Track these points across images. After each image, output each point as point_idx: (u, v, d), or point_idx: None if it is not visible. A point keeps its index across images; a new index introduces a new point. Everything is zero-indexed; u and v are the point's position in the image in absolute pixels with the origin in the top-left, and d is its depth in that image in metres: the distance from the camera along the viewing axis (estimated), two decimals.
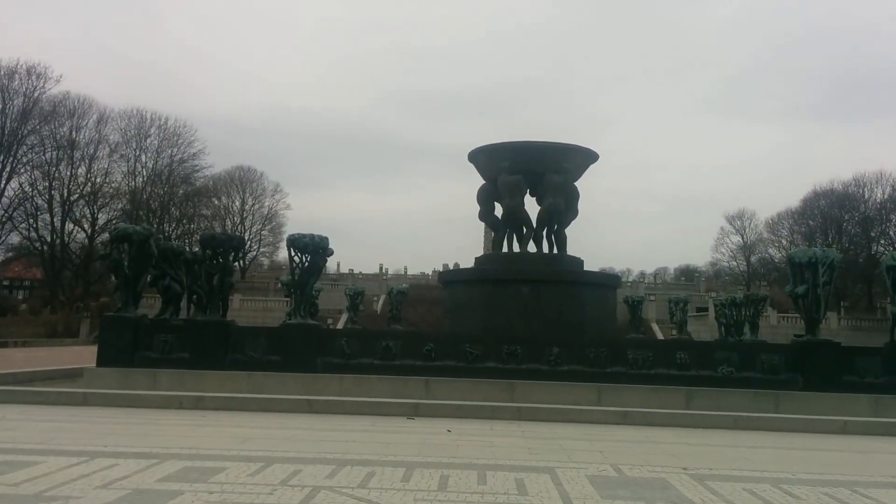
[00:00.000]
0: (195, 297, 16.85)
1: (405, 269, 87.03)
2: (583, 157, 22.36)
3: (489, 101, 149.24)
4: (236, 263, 18.85)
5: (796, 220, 78.66)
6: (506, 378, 15.26)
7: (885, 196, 72.62)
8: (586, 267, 22.12)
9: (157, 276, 16.86)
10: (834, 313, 58.31)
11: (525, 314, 19.53)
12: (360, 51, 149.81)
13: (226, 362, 15.46)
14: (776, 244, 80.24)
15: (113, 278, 19.26)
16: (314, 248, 16.07)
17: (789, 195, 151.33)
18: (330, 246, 16.26)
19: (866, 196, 74.60)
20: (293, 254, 16.19)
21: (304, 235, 16.20)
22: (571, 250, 22.11)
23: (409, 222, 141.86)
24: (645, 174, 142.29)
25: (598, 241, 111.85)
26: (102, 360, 15.62)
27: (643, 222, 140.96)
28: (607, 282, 22.22)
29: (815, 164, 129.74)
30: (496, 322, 19.55)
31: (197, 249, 17.42)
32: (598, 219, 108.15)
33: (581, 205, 22.53)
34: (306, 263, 16.13)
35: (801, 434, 12.51)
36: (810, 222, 76.49)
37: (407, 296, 33.31)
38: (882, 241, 69.45)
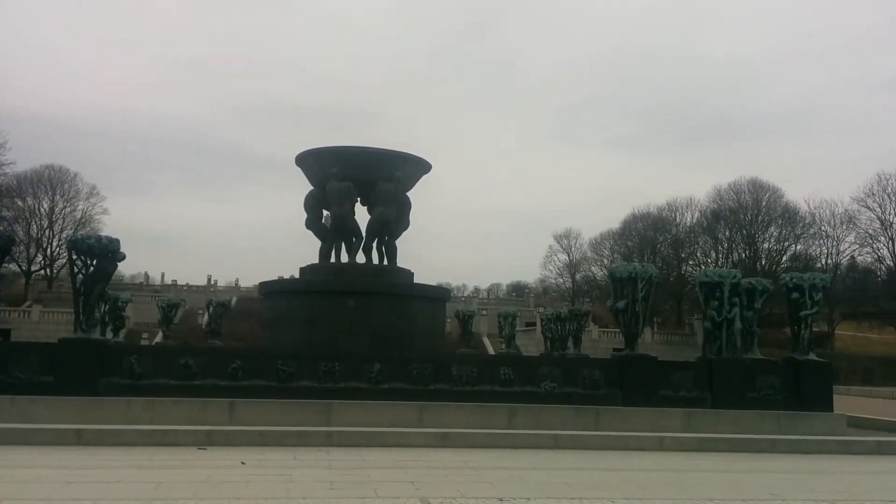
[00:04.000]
0: None
1: (237, 280, 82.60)
2: (415, 167, 21.61)
3: (335, 116, 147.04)
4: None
5: (616, 240, 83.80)
6: (322, 398, 13.95)
7: (694, 220, 79.21)
8: (419, 280, 21.34)
9: None
10: (648, 328, 62.29)
11: (350, 328, 18.35)
12: (202, 56, 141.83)
13: None
14: (598, 263, 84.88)
15: None
16: (101, 252, 13.87)
17: (611, 217, 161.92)
18: (122, 250, 14.13)
19: (678, 220, 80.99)
20: (74, 258, 13.89)
21: (88, 237, 13.99)
22: (405, 263, 21.26)
23: (250, 233, 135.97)
24: (485, 196, 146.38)
25: (441, 257, 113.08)
26: None
27: (482, 241, 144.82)
28: (437, 295, 21.53)
29: (634, 189, 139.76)
30: (319, 337, 18.19)
31: None
32: (440, 236, 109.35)
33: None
34: (91, 269, 13.88)
35: (621, 452, 12.28)
36: (629, 243, 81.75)
37: (228, 308, 30.84)
38: (691, 262, 75.47)
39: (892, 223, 71.62)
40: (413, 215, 21.92)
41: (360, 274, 20.17)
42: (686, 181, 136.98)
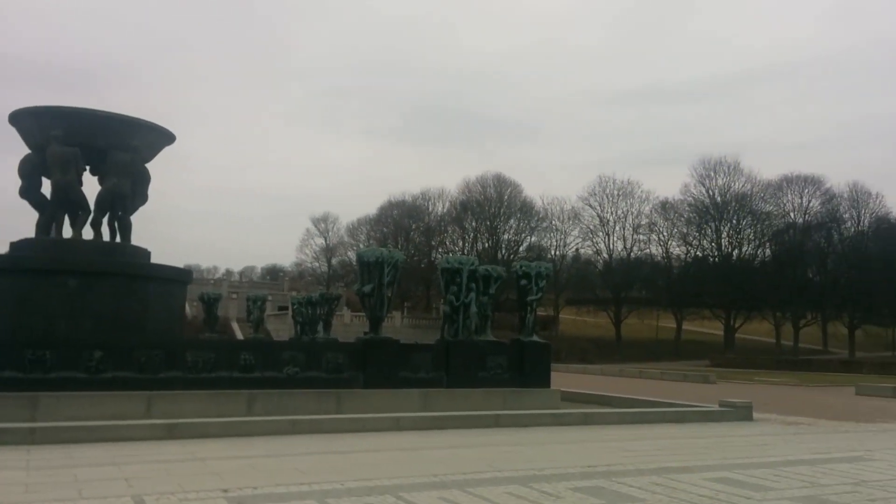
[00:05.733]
0: None
1: None
2: (156, 136, 19.86)
3: (78, 76, 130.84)
4: None
5: (373, 226, 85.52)
6: (29, 390, 12.30)
7: (445, 210, 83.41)
8: (161, 260, 19.68)
9: None
10: (399, 312, 64.35)
11: (71, 312, 16.37)
12: None
13: None
14: (355, 248, 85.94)
15: None
16: None
17: (369, 203, 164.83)
18: None
19: (430, 209, 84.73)
20: None
21: None
22: (148, 242, 19.47)
23: None
24: (241, 174, 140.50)
25: (192, 237, 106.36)
26: None
27: (237, 221, 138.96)
28: (176, 276, 20.05)
29: (391, 178, 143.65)
30: (33, 321, 16.02)
31: None
32: (191, 214, 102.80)
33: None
34: None
35: (359, 434, 12.43)
36: (384, 229, 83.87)
37: None
38: (441, 250, 79.48)
39: (609, 220, 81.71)
40: (160, 192, 20.25)
41: (83, 251, 18.08)
42: (440, 173, 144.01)
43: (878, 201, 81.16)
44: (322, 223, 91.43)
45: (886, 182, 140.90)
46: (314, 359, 15.12)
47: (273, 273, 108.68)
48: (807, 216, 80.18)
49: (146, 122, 19.42)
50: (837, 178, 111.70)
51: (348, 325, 56.93)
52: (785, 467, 9.93)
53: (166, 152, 20.77)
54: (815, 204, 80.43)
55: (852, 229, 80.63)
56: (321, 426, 12.59)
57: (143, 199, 19.96)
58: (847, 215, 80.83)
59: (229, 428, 11.90)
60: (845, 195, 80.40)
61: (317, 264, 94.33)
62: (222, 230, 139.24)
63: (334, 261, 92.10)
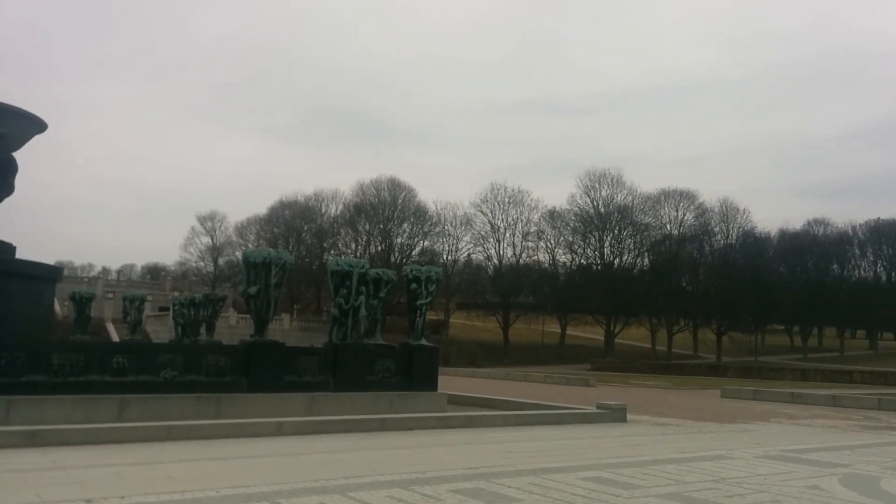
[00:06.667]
0: None
1: None
2: (25, 124, 18.45)
3: None
4: None
5: (263, 226, 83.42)
6: None
7: (338, 212, 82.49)
8: (29, 256, 18.27)
9: None
10: (288, 315, 63.02)
11: None
12: None
13: None
14: (243, 247, 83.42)
15: None
16: None
17: (259, 202, 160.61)
18: None
19: (323, 210, 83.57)
20: None
21: None
22: (15, 237, 18.02)
23: None
24: (124, 169, 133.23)
25: (66, 232, 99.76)
26: None
27: (116, 217, 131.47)
28: (43, 273, 18.69)
29: (284, 177, 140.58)
30: None
31: None
32: (69, 209, 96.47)
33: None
34: None
35: (239, 440, 12.06)
36: (275, 229, 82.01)
37: None
38: (333, 252, 78.54)
39: (499, 227, 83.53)
40: (29, 183, 18.81)
41: None
42: (334, 174, 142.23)
43: (745, 216, 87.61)
44: (209, 221, 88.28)
45: (754, 198, 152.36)
46: (194, 362, 14.55)
47: (154, 272, 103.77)
48: (682, 228, 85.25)
49: (13, 107, 18.03)
50: (710, 194, 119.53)
51: (234, 328, 55.21)
52: (653, 466, 10.48)
53: (42, 142, 19.42)
54: (690, 217, 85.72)
55: (722, 242, 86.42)
56: (199, 432, 12.12)
57: (9, 189, 18.52)
58: (717, 228, 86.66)
59: (97, 434, 11.23)
60: (716, 210, 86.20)
61: (202, 264, 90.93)
62: (102, 226, 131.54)
63: (221, 261, 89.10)
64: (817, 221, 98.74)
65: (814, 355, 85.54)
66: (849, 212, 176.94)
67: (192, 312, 27.43)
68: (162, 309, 59.96)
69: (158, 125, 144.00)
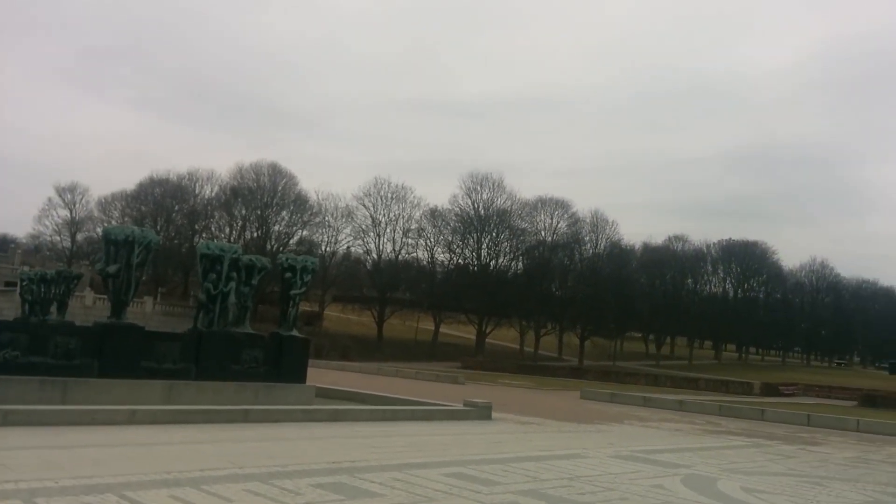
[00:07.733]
0: None
1: None
2: None
3: None
4: None
5: (129, 202, 78.76)
6: None
7: (213, 194, 79.24)
8: None
9: None
10: (151, 298, 59.89)
11: None
12: None
13: None
14: (106, 223, 78.40)
15: None
16: None
17: (127, 178, 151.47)
18: None
19: (197, 191, 79.95)
20: None
21: None
22: None
23: None
24: None
25: None
26: None
27: None
28: None
29: (156, 154, 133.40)
30: None
31: None
32: None
33: None
34: None
35: (87, 427, 11.28)
36: (143, 207, 77.64)
37: None
38: (205, 235, 75.27)
39: (381, 221, 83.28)
40: None
41: None
42: (212, 155, 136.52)
43: (613, 228, 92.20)
44: (68, 193, 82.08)
45: (622, 212, 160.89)
46: (40, 342, 13.50)
47: (3, 244, 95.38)
48: (555, 235, 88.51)
49: None
50: (583, 204, 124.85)
51: (90, 308, 51.80)
52: (513, 463, 10.78)
53: None
54: (563, 225, 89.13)
55: (591, 251, 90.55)
56: (41, 417, 11.24)
57: None
58: (588, 238, 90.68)
59: None
60: (588, 220, 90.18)
61: (58, 238, 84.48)
62: None
63: (80, 236, 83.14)
64: (677, 238, 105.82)
65: (666, 362, 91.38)
66: (704, 230, 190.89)
67: (43, 289, 25.43)
68: (8, 284, 55.30)
69: (15, 85, 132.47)
